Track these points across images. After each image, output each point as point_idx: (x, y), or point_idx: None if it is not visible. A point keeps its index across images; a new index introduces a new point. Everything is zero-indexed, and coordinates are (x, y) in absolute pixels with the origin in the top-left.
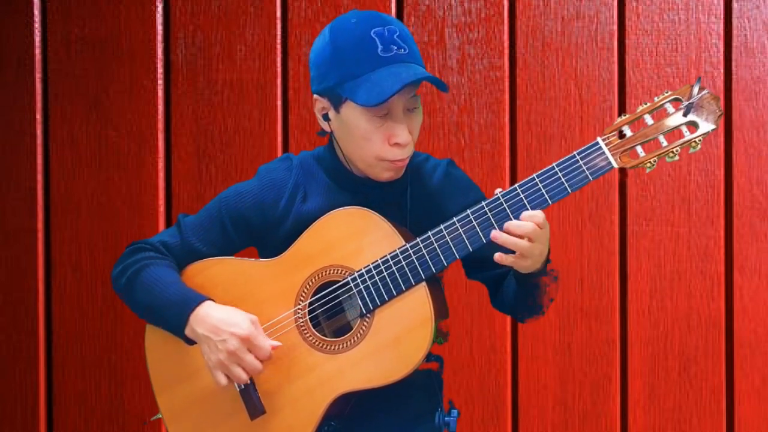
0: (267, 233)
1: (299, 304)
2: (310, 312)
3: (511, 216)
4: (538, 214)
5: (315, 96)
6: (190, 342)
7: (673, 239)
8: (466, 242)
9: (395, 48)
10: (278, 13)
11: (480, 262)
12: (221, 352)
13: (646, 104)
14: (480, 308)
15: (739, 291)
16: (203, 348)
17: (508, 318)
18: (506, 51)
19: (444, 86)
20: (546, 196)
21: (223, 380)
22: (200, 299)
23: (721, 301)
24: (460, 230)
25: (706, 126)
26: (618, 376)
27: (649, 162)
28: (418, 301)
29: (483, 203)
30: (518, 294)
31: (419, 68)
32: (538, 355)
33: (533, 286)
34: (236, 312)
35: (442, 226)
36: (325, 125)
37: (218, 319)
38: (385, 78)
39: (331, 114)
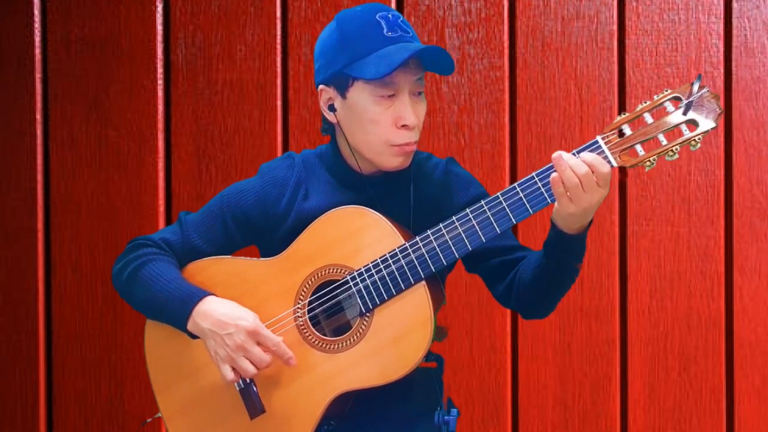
0: (268, 231)
1: (299, 303)
2: (309, 311)
3: (510, 215)
4: (600, 162)
5: (321, 87)
6: (193, 336)
7: (673, 239)
8: (466, 241)
9: (400, 31)
10: (278, 13)
11: (479, 254)
12: (228, 346)
13: (645, 103)
14: (480, 308)
15: (739, 291)
16: (209, 343)
17: (508, 318)
18: (506, 51)
19: (451, 63)
20: (545, 194)
21: (230, 375)
22: (202, 294)
23: (721, 301)
24: (460, 229)
25: (705, 124)
26: (618, 376)
27: (649, 161)
28: (417, 300)
29: (482, 201)
30: (546, 266)
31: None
32: (538, 355)
33: (567, 250)
34: (238, 306)
35: (441, 225)
36: (330, 116)
37: (222, 313)
38: (393, 52)
39: (338, 103)
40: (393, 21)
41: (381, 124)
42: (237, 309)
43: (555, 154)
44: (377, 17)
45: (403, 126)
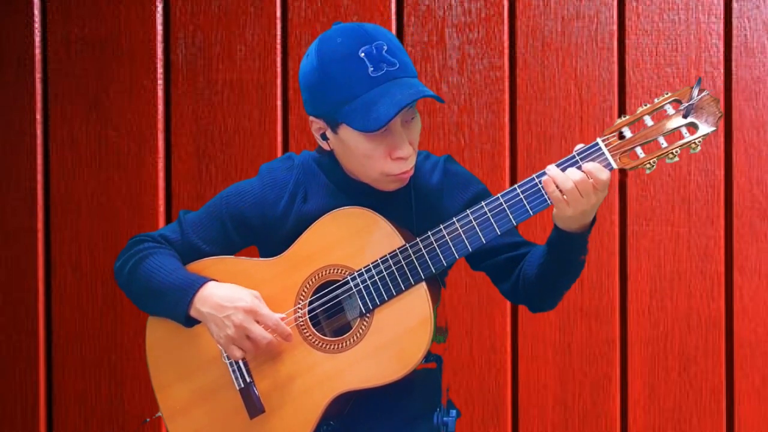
0: (267, 232)
1: (299, 304)
2: (309, 311)
3: (510, 216)
4: (601, 172)
5: (311, 118)
6: (191, 324)
7: (673, 239)
8: (466, 242)
9: (386, 65)
10: (278, 13)
11: (484, 252)
12: (228, 327)
13: (645, 105)
14: (480, 308)
15: (739, 291)
16: (211, 327)
17: (508, 318)
18: (506, 51)
19: (439, 99)
20: (545, 196)
21: (237, 353)
22: (203, 280)
23: (721, 301)
24: (460, 230)
25: (705, 128)
26: (618, 376)
27: (649, 163)
28: (417, 301)
29: (483, 203)
30: (550, 263)
31: (413, 83)
32: (538, 355)
33: (569, 248)
34: (238, 287)
35: (441, 226)
36: (324, 144)
37: (221, 297)
38: (380, 101)
39: (329, 134)
40: (377, 55)
41: (375, 158)
42: (236, 291)
43: (545, 177)
44: (360, 54)
45: (398, 158)
